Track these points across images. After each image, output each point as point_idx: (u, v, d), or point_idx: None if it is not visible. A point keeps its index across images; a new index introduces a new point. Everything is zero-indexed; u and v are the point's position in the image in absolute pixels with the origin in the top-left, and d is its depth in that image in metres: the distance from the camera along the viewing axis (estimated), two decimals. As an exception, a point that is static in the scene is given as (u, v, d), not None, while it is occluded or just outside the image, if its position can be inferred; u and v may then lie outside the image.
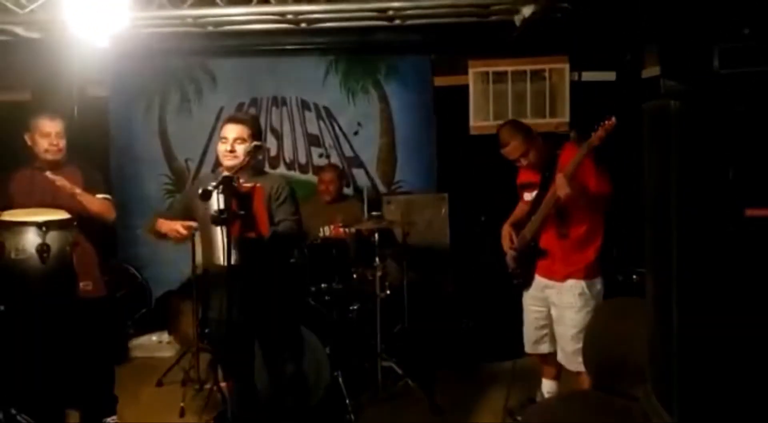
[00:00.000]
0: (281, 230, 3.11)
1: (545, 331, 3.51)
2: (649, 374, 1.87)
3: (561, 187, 3.14)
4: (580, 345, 3.30)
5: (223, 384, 3.80)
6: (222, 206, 2.55)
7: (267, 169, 4.86)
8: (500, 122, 5.46)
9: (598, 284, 3.35)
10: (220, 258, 3.07)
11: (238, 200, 2.70)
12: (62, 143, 3.70)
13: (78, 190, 3.56)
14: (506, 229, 3.62)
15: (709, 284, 1.51)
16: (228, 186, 2.55)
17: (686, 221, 1.54)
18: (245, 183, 2.92)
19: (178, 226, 3.01)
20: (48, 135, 3.66)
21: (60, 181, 3.51)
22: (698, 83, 1.62)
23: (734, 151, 1.44)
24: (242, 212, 2.73)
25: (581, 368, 3.36)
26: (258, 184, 2.82)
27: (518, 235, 3.55)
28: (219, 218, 2.56)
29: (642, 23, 4.44)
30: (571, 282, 3.35)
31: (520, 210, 3.64)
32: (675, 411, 1.60)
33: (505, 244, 3.60)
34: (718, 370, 1.53)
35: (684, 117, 1.53)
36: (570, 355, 3.37)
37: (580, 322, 3.30)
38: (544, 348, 3.55)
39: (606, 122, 3.11)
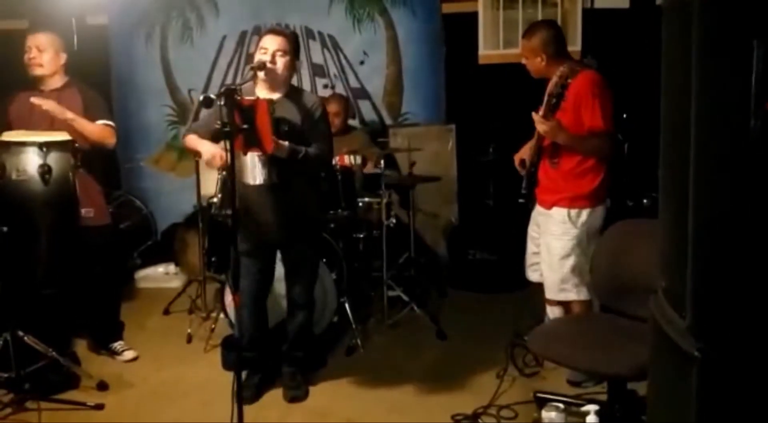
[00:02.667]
0: (314, 152, 3.09)
1: (537, 259, 3.48)
2: (661, 282, 1.83)
3: (547, 134, 3.12)
4: (557, 275, 3.32)
5: (229, 300, 3.78)
6: (225, 119, 2.47)
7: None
8: (510, 51, 5.39)
9: (585, 215, 3.27)
10: (249, 177, 3.04)
11: (241, 113, 2.62)
12: (44, 58, 3.58)
13: (70, 115, 3.47)
14: (522, 150, 3.55)
15: (727, 180, 1.45)
16: (230, 98, 2.47)
17: (707, 116, 1.47)
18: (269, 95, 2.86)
19: (221, 153, 2.95)
20: (28, 49, 3.57)
21: (48, 104, 3.43)
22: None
23: (759, 37, 1.36)
24: (245, 126, 2.66)
25: (560, 297, 3.37)
26: (261, 98, 2.74)
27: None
28: (221, 131, 2.49)
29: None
30: (555, 209, 3.31)
31: None
32: (688, 316, 1.58)
33: (517, 163, 3.55)
34: (732, 275, 1.49)
35: (706, 9, 1.44)
36: (550, 282, 3.36)
37: (559, 250, 3.28)
38: (535, 276, 3.52)
39: (561, 69, 3.05)
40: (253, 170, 3.03)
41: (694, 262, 1.49)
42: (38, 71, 3.60)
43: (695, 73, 1.41)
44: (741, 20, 1.32)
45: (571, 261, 3.26)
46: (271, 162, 2.97)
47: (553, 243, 3.32)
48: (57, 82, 3.67)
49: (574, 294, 3.27)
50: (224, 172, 3.33)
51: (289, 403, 3.33)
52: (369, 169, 4.60)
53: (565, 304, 3.41)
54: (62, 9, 5.24)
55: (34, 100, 3.43)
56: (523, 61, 3.42)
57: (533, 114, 3.12)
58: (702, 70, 1.38)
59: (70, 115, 3.47)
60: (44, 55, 3.59)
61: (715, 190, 1.41)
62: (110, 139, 3.70)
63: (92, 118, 3.62)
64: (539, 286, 3.68)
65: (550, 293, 3.39)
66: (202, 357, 3.91)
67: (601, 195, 3.32)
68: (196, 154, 3.31)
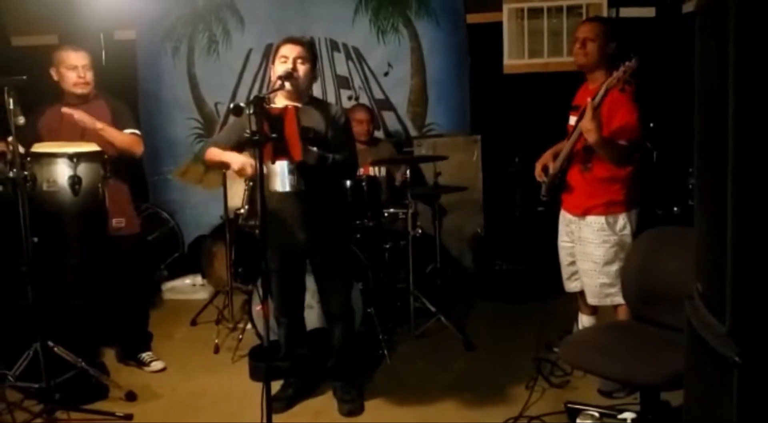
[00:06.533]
0: (341, 159, 3.09)
1: (575, 268, 3.44)
2: (698, 287, 1.79)
3: (587, 132, 3.04)
4: (601, 280, 3.30)
5: (258, 308, 3.78)
6: (254, 128, 2.47)
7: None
8: (535, 61, 5.37)
9: (622, 220, 3.25)
10: (277, 184, 3.04)
11: (270, 122, 2.63)
12: (89, 76, 3.66)
13: (100, 125, 3.52)
14: (544, 157, 3.53)
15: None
16: (259, 106, 2.48)
17: (747, 121, 1.43)
18: (292, 105, 2.86)
19: (250, 160, 2.95)
20: (75, 68, 3.61)
21: (78, 114, 3.48)
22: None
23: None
24: (274, 135, 2.66)
25: (605, 302, 3.34)
26: (290, 106, 2.74)
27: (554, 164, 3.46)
28: (251, 140, 2.49)
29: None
30: (591, 218, 3.29)
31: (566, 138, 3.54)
32: (727, 320, 1.54)
33: (538, 169, 3.52)
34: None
35: (746, 2, 1.42)
36: (592, 289, 3.33)
37: (600, 257, 3.26)
38: (576, 285, 3.48)
39: (627, 63, 2.98)
40: (282, 178, 3.02)
41: (734, 265, 1.45)
42: (85, 90, 3.66)
43: (732, 76, 1.37)
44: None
45: (615, 266, 3.23)
46: (298, 169, 2.97)
47: (594, 251, 3.28)
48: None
49: (620, 298, 3.21)
50: (251, 182, 3.33)
51: (346, 416, 3.28)
52: (399, 180, 4.60)
53: (594, 311, 3.38)
54: (91, 24, 5.34)
55: (65, 110, 3.47)
56: (580, 45, 3.29)
57: (589, 100, 3.03)
58: (740, 72, 1.35)
59: (99, 124, 3.52)
60: (89, 74, 3.66)
61: (754, 193, 1.38)
62: (138, 148, 3.74)
63: (120, 128, 3.67)
64: (566, 296, 3.65)
65: (593, 299, 3.35)
66: (230, 367, 3.91)
67: (636, 198, 3.29)
68: (221, 166, 3.32)
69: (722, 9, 1.46)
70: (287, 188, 2.99)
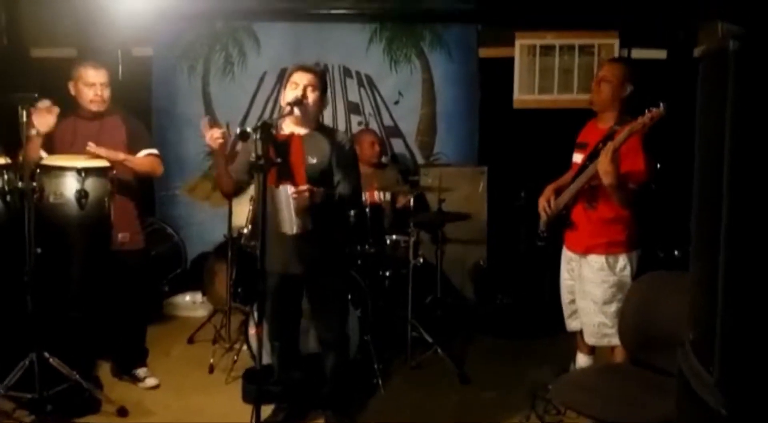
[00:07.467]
0: (345, 192, 3.11)
1: (576, 306, 3.44)
2: (689, 335, 1.79)
3: (605, 174, 3.04)
4: (599, 319, 3.30)
5: (252, 331, 3.78)
6: (260, 152, 2.51)
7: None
8: (545, 97, 5.41)
9: (623, 260, 3.25)
10: (285, 226, 3.00)
11: (276, 148, 2.66)
12: (106, 93, 3.70)
13: (122, 156, 3.58)
14: (548, 191, 3.54)
15: (760, 235, 1.43)
16: (266, 132, 2.51)
17: (741, 171, 1.45)
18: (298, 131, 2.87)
19: (214, 133, 2.94)
20: (93, 85, 3.66)
21: (102, 150, 3.50)
22: (759, 26, 1.53)
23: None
24: (279, 160, 2.70)
25: (602, 342, 3.33)
26: (296, 133, 2.77)
27: (556, 199, 3.47)
28: (256, 165, 2.52)
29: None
30: (592, 256, 3.30)
31: (568, 175, 3.55)
32: (715, 371, 1.54)
33: (541, 204, 3.52)
34: (763, 329, 1.46)
35: (744, 58, 1.44)
36: (590, 328, 3.33)
37: (599, 296, 3.26)
38: (577, 324, 3.48)
39: (654, 109, 2.99)
40: (290, 219, 2.97)
41: (724, 315, 1.46)
42: (101, 108, 3.71)
43: (729, 124, 1.40)
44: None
45: (613, 307, 3.22)
46: (305, 211, 2.96)
47: (594, 290, 3.29)
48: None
49: (617, 339, 3.20)
50: (251, 203, 3.35)
51: None
52: (400, 202, 4.61)
53: (592, 350, 3.36)
54: (110, 40, 5.42)
55: (90, 148, 3.48)
56: (598, 84, 3.34)
57: (609, 143, 3.05)
58: (737, 121, 1.38)
59: (122, 156, 3.58)
60: (106, 92, 3.71)
61: (747, 243, 1.39)
62: (158, 169, 3.81)
63: (137, 148, 3.72)
64: (566, 334, 3.63)
65: (591, 338, 3.35)
66: (223, 388, 3.91)
67: (637, 240, 3.30)
68: (223, 168, 3.29)
69: (722, 60, 1.49)
70: (295, 231, 2.96)
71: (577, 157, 3.46)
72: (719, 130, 1.47)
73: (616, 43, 5.39)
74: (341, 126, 5.73)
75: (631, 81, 3.30)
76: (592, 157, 3.26)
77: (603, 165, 3.03)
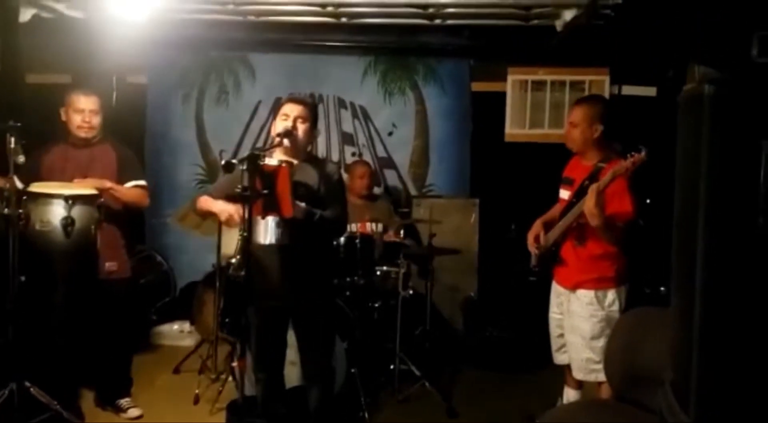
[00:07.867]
0: (330, 216, 3.09)
1: (564, 341, 3.43)
2: (669, 375, 1.78)
3: (592, 217, 3.05)
4: (587, 355, 3.28)
5: (235, 364, 3.74)
6: (246, 183, 2.51)
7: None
8: (536, 131, 5.44)
9: (611, 295, 3.26)
10: (260, 236, 3.03)
11: (262, 179, 2.66)
12: (95, 121, 3.71)
13: (108, 184, 3.58)
14: (536, 226, 3.54)
15: (734, 277, 1.43)
16: (253, 163, 2.51)
17: (715, 211, 1.46)
18: (286, 161, 2.88)
19: (237, 210, 2.91)
20: (81, 111, 3.68)
21: (90, 180, 3.54)
22: (735, 70, 1.55)
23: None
24: (265, 191, 2.69)
25: (590, 377, 3.31)
26: (283, 164, 2.77)
27: (545, 234, 3.48)
28: (241, 195, 2.52)
29: (686, 28, 4.33)
30: (581, 291, 3.30)
31: (556, 209, 3.56)
32: (692, 412, 1.53)
33: (530, 239, 3.52)
34: (737, 372, 1.45)
35: (718, 102, 1.46)
36: (578, 363, 3.32)
37: (588, 331, 3.26)
38: (565, 358, 3.46)
39: (635, 154, 3.00)
40: (266, 231, 3.03)
41: (700, 356, 1.45)
42: (89, 134, 3.71)
43: (704, 168, 1.41)
44: (750, 120, 1.33)
45: (601, 342, 3.21)
46: (285, 223, 2.98)
47: (582, 324, 3.28)
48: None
49: (604, 375, 3.18)
50: (245, 233, 3.35)
51: None
52: (389, 237, 4.61)
53: (580, 385, 3.34)
54: (105, 67, 5.45)
55: (77, 181, 3.51)
56: (569, 128, 3.37)
57: (594, 185, 3.06)
58: (711, 166, 1.39)
59: (108, 184, 3.58)
60: (95, 119, 3.71)
61: (721, 287, 1.39)
62: (144, 201, 3.80)
63: (126, 178, 3.72)
64: (555, 368, 3.61)
65: (579, 374, 3.34)
66: (207, 420, 3.86)
67: (625, 275, 3.31)
68: (211, 215, 3.31)
69: (698, 103, 1.51)
70: (271, 240, 2.98)
71: (564, 193, 3.46)
72: (696, 168, 1.48)
73: (607, 79, 5.45)
74: (335, 156, 5.76)
75: (601, 120, 3.28)
76: (579, 194, 3.27)
77: (589, 208, 3.05)
